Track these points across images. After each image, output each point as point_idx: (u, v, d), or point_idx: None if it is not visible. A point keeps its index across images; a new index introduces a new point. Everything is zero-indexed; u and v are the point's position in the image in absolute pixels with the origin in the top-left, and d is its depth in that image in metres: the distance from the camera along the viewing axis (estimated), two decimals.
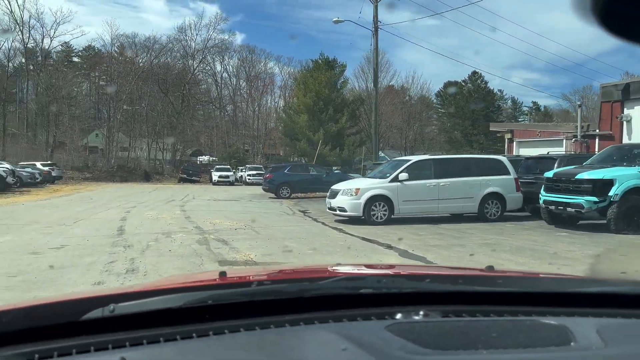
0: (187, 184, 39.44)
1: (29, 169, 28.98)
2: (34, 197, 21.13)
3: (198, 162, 47.70)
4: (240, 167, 42.75)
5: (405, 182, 11.84)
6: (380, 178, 12.44)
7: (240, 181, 40.54)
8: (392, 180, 11.90)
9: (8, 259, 7.21)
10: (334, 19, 25.83)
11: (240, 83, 64.03)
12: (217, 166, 39.64)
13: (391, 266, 2.50)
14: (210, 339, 0.95)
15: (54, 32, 50.79)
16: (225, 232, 10.60)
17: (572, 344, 0.98)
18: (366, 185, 12.11)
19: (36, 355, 0.87)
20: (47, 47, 51.40)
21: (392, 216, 11.83)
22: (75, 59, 63.47)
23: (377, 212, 11.76)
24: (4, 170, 22.67)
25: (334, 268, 1.75)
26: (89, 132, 55.30)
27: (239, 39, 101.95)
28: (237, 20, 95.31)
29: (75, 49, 59.75)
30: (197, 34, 61.18)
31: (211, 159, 53.82)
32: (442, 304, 1.16)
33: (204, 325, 0.99)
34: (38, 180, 28.14)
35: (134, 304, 1.01)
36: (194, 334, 0.96)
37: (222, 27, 68.82)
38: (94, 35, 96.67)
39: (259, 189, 29.52)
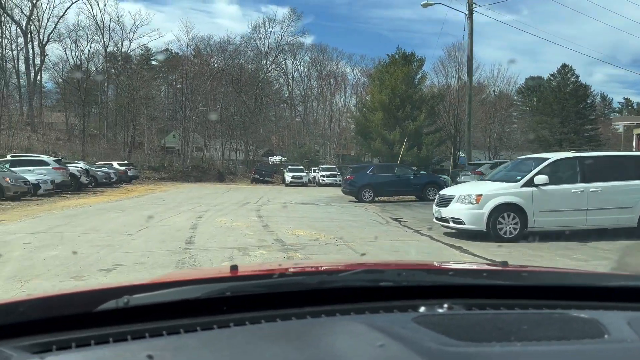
0: (260, 184, 38.24)
1: (105, 169, 28.71)
2: (106, 197, 20.29)
3: (270, 163, 46.57)
4: (313, 168, 40.95)
5: (543, 187, 9.11)
6: (505, 182, 9.78)
7: (312, 182, 38.77)
8: (525, 185, 9.21)
9: (44, 286, 5.47)
10: (423, 3, 23.14)
11: (312, 82, 62.54)
12: (290, 166, 38.10)
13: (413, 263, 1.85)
14: (232, 329, 0.93)
15: (133, 35, 51.90)
16: (313, 247, 8.49)
17: (605, 336, 0.97)
18: (490, 191, 9.48)
19: (54, 346, 0.85)
20: (126, 50, 52.60)
21: (525, 230, 9.17)
22: (154, 62, 65.11)
23: (505, 225, 9.12)
24: (77, 170, 22.13)
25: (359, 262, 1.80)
26: (166, 133, 56.14)
27: (309, 40, 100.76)
28: (308, 21, 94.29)
29: (154, 51, 60.95)
30: (270, 32, 60.28)
31: (282, 159, 52.67)
32: (463, 297, 1.13)
33: (223, 317, 0.97)
34: (113, 180, 27.75)
35: (149, 295, 0.97)
36: (214, 325, 0.93)
37: (294, 28, 67.80)
38: (170, 38, 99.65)
39: (334, 191, 27.56)
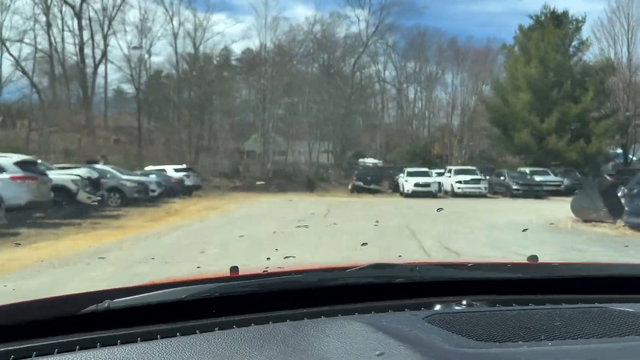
0: (365, 194, 27.33)
1: (149, 177, 19.16)
2: (103, 233, 10.26)
3: (371, 165, 35.69)
4: (437, 171, 29.16)
5: None
6: None
7: (440, 191, 27.06)
8: None
9: None
10: None
11: (415, 65, 50.37)
12: (408, 169, 26.70)
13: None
14: (215, 333, 0.85)
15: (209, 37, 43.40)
16: None
17: None
18: None
19: (34, 353, 0.82)
20: (206, 51, 44.34)
21: None
22: (234, 62, 57.29)
23: None
24: (74, 180, 12.41)
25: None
26: (246, 137, 47.17)
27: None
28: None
29: (234, 53, 52.54)
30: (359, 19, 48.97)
31: (378, 161, 41.43)
32: (485, 294, 1.05)
33: (209, 320, 0.91)
34: (155, 193, 18.03)
35: (129, 299, 0.92)
36: (197, 330, 0.87)
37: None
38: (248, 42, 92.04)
39: (513, 206, 15.96)
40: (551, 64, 32.67)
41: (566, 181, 28.78)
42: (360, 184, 28.83)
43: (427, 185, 24.66)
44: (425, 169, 27.75)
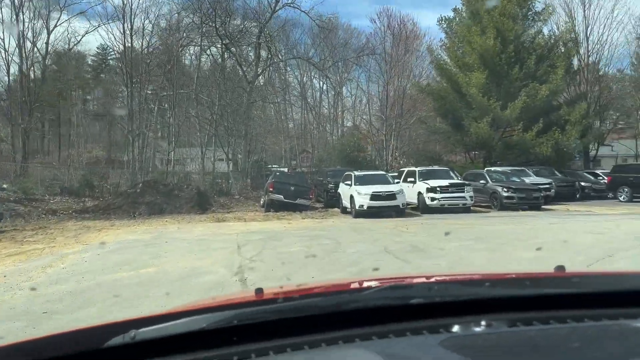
0: (286, 214, 17.77)
1: None
2: None
3: (291, 171, 26.09)
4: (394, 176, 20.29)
5: None
6: None
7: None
8: None
9: None
10: None
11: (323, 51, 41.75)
12: (357, 173, 17.46)
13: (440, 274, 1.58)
14: None
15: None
16: None
17: None
18: None
19: None
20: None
21: None
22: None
23: None
24: None
25: (377, 278, 1.52)
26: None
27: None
28: None
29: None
30: None
31: (297, 168, 32.05)
32: (506, 311, 1.00)
33: (229, 349, 0.91)
34: None
35: (154, 329, 0.92)
36: None
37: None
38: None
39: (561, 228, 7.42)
40: (509, 35, 25.75)
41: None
42: (281, 197, 19.15)
43: (392, 196, 15.63)
44: (382, 172, 18.82)
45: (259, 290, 1.22)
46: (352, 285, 1.28)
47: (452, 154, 30.76)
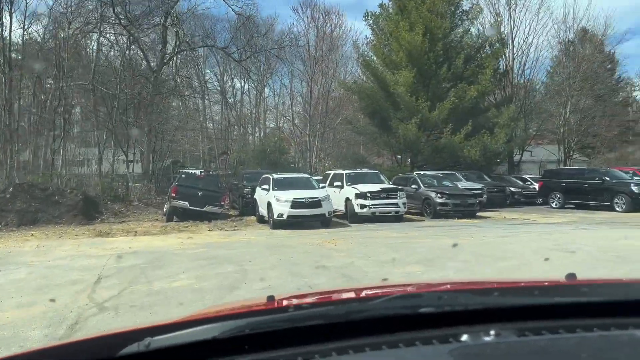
0: (193, 226, 14.82)
1: None
2: None
3: (201, 173, 22.93)
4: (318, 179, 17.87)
5: None
6: None
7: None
8: None
9: None
10: None
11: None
12: (275, 176, 14.83)
13: (447, 283, 1.66)
14: None
15: None
16: None
17: None
18: None
19: None
20: None
21: None
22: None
23: None
24: None
25: (386, 285, 1.59)
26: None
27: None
28: None
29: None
30: None
31: (211, 171, 28.80)
32: (515, 320, 1.01)
33: (241, 358, 0.92)
34: None
35: (169, 337, 0.94)
36: None
37: None
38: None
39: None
40: (436, 32, 24.47)
41: None
42: (185, 204, 16.08)
43: (316, 203, 13.18)
44: (305, 175, 16.30)
45: (271, 298, 1.23)
46: (363, 294, 1.28)
47: (377, 157, 29.10)
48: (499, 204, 20.25)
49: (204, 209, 15.97)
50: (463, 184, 19.01)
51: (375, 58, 27.02)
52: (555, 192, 19.65)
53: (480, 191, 18.74)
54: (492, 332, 0.94)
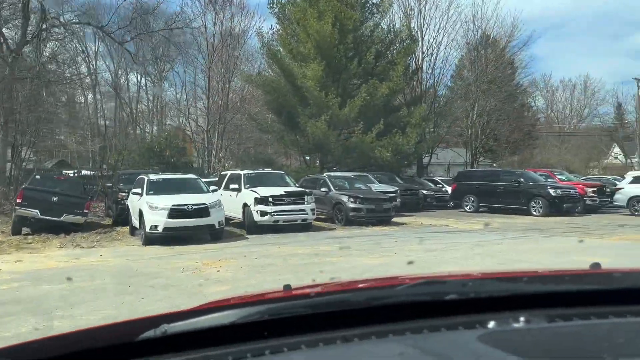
0: (43, 237, 11.39)
1: None
2: None
3: (70, 173, 18.88)
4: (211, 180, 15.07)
5: None
6: None
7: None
8: None
9: None
10: None
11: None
12: (151, 177, 11.86)
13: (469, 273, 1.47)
14: (265, 358, 0.86)
15: None
16: None
17: None
18: None
19: None
20: None
21: None
22: None
23: None
24: None
25: (408, 275, 1.36)
26: None
27: None
28: None
29: None
30: None
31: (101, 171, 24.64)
32: (543, 307, 0.97)
33: (260, 344, 0.90)
34: None
35: (185, 323, 0.92)
36: (248, 354, 0.87)
37: None
38: None
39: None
40: (347, 24, 22.74)
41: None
42: (36, 213, 12.53)
43: (202, 211, 10.41)
44: (191, 176, 13.35)
45: (287, 287, 1.20)
46: (384, 282, 1.22)
47: (286, 158, 26.81)
48: (413, 208, 18.85)
49: (61, 218, 12.55)
50: (376, 187, 17.29)
51: (281, 49, 24.68)
52: (469, 195, 18.59)
53: (394, 194, 17.11)
54: (522, 319, 0.91)
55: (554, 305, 0.98)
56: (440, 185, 22.43)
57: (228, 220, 13.86)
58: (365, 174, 19.57)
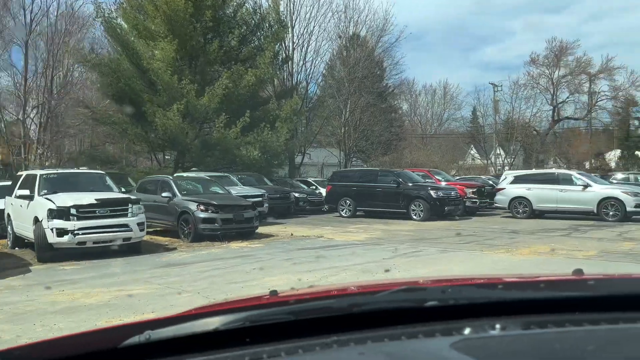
0: None
1: None
2: None
3: None
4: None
5: None
6: None
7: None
8: None
9: None
10: None
11: None
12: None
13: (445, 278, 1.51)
14: None
15: None
16: None
17: None
18: None
19: None
20: None
21: None
22: None
23: None
24: None
25: (389, 281, 1.42)
26: None
27: None
28: None
29: None
30: None
31: None
32: (521, 314, 0.99)
33: (241, 351, 0.90)
34: None
35: (168, 329, 0.93)
36: None
37: None
38: None
39: None
40: None
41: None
42: None
43: None
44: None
45: (274, 292, 1.22)
46: (365, 288, 1.24)
47: (133, 156, 22.37)
48: (283, 213, 16.19)
49: None
50: (239, 190, 14.21)
51: (125, 24, 20.35)
52: (345, 198, 16.42)
53: (260, 199, 14.20)
54: (497, 326, 0.93)
55: (531, 312, 0.97)
56: (314, 187, 20.13)
57: (22, 240, 9.78)
58: (227, 174, 16.40)
